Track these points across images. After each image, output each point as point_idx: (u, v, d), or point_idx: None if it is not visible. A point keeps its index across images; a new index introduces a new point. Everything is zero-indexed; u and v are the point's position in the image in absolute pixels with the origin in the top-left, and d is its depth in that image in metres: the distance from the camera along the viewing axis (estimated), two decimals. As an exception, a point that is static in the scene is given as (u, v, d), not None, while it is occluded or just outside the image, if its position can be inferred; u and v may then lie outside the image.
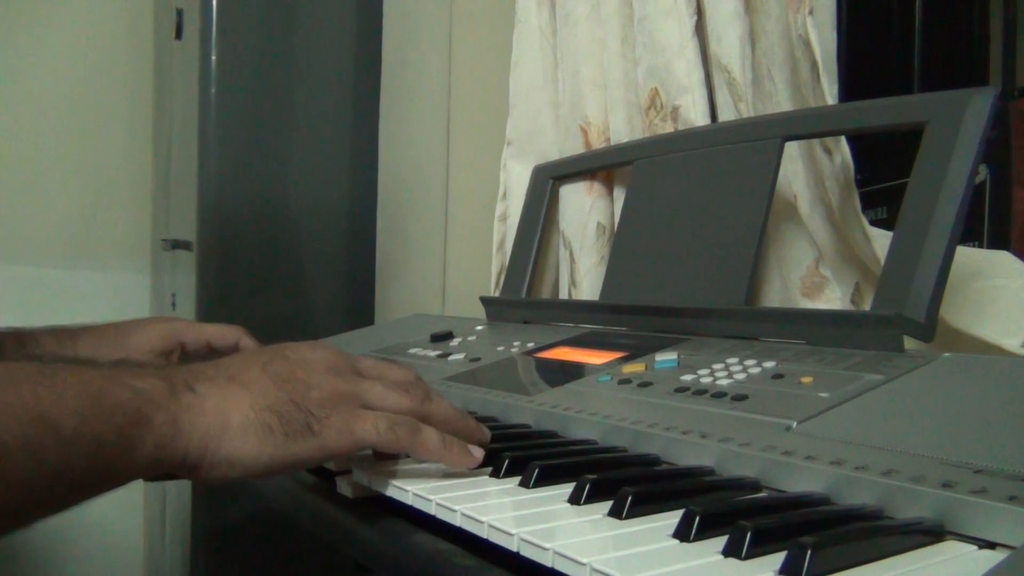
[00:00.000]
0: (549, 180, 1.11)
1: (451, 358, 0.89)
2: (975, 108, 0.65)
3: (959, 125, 0.65)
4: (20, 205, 1.89)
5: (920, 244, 0.64)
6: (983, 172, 1.07)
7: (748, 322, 0.74)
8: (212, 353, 0.88)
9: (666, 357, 0.69)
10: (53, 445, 0.41)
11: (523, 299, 1.07)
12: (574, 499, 0.47)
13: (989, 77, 1.27)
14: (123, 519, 1.92)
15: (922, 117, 0.68)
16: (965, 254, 0.76)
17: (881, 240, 0.77)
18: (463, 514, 0.46)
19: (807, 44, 0.81)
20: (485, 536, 0.44)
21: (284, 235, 1.69)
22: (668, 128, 0.97)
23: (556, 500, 0.47)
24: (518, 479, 0.51)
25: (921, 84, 1.22)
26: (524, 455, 0.53)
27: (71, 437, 0.42)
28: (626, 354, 0.74)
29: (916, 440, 0.46)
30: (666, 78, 0.97)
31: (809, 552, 0.34)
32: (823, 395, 0.54)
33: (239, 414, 0.48)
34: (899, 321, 0.61)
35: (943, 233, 0.63)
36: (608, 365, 0.73)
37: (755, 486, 0.48)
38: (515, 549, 0.41)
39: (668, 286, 0.85)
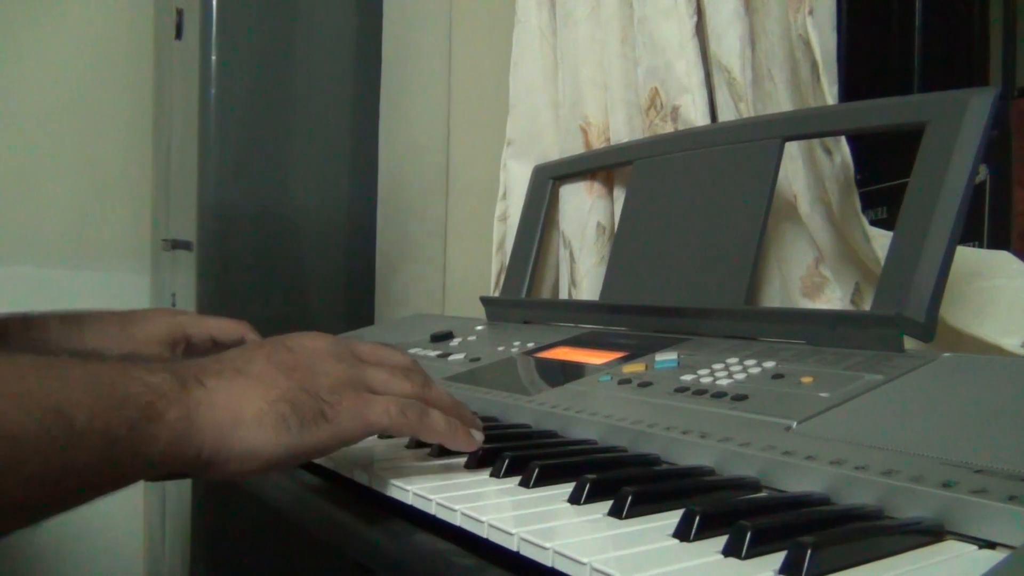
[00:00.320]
0: (549, 180, 1.11)
1: (451, 358, 0.89)
2: (975, 108, 0.65)
3: (959, 125, 0.65)
4: (20, 205, 1.89)
5: (920, 244, 0.64)
6: (983, 172, 1.07)
7: (748, 322, 0.74)
8: (216, 348, 0.87)
9: (666, 357, 0.69)
10: (66, 438, 0.40)
11: (523, 299, 1.07)
12: (574, 499, 0.47)
13: (989, 77, 1.27)
14: (123, 519, 1.92)
15: (922, 117, 0.68)
16: (965, 254, 0.76)
17: (881, 240, 0.77)
18: (463, 514, 0.46)
19: (807, 44, 0.81)
20: (485, 536, 0.44)
21: (284, 235, 1.69)
22: (668, 128, 0.97)
23: (556, 500, 0.47)
24: (518, 479, 0.51)
25: (921, 84, 1.22)
26: (524, 455, 0.53)
27: (83, 429, 0.41)
28: (626, 354, 0.74)
29: (916, 440, 0.46)
30: (666, 78, 0.97)
31: (809, 552, 0.34)
32: (823, 395, 0.54)
33: (252, 406, 0.48)
34: (899, 321, 0.61)
35: (943, 233, 0.63)
36: (608, 365, 0.73)
37: (755, 486, 0.48)
38: (515, 549, 0.41)
39: (668, 286, 0.85)
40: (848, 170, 0.81)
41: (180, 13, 1.75)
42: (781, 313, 0.77)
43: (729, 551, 0.37)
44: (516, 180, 1.19)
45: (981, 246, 1.06)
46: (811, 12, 0.80)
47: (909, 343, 0.62)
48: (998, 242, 1.05)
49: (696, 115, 0.95)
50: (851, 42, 1.04)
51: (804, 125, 0.79)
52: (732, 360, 0.65)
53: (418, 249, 1.58)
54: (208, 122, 1.61)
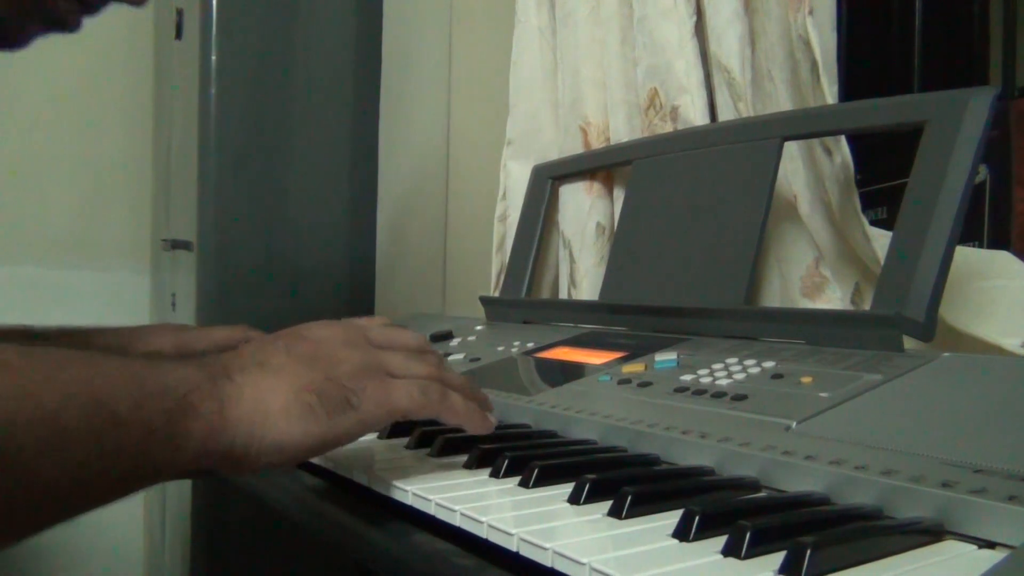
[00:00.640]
0: (549, 180, 1.11)
1: (451, 358, 0.89)
2: (975, 108, 0.65)
3: (959, 125, 0.65)
4: (20, 205, 1.89)
5: (920, 244, 0.64)
6: (983, 172, 1.06)
7: (748, 322, 0.74)
8: None
9: (666, 357, 0.69)
10: (111, 429, 0.40)
11: (523, 299, 1.07)
12: (574, 499, 0.47)
13: (989, 77, 1.27)
14: (123, 519, 1.93)
15: (922, 117, 0.68)
16: (965, 254, 0.76)
17: (881, 240, 0.77)
18: (463, 514, 0.46)
19: (807, 44, 0.81)
20: (485, 536, 0.44)
21: (284, 235, 1.70)
22: (668, 128, 0.97)
23: (556, 500, 0.47)
24: (518, 479, 0.51)
25: (921, 84, 1.22)
26: (524, 455, 0.53)
27: (125, 419, 0.41)
28: (626, 354, 0.74)
29: (915, 440, 0.46)
30: (666, 78, 0.97)
31: (808, 552, 0.34)
32: (823, 395, 0.54)
33: (278, 399, 0.48)
34: (899, 321, 0.61)
35: (943, 233, 0.63)
36: (608, 365, 0.73)
37: (755, 486, 0.48)
38: (515, 549, 0.41)
39: (668, 286, 0.85)
40: (848, 170, 0.81)
41: (180, 13, 1.75)
42: (781, 313, 0.77)
43: (729, 551, 0.37)
44: (516, 180, 1.19)
45: (981, 246, 1.05)
46: (811, 12, 0.80)
47: (909, 343, 0.62)
48: (998, 242, 1.04)
49: (696, 115, 0.95)
50: (851, 42, 1.04)
51: (804, 125, 0.79)
52: (732, 360, 0.65)
53: (418, 249, 1.58)
54: (208, 122, 1.61)
